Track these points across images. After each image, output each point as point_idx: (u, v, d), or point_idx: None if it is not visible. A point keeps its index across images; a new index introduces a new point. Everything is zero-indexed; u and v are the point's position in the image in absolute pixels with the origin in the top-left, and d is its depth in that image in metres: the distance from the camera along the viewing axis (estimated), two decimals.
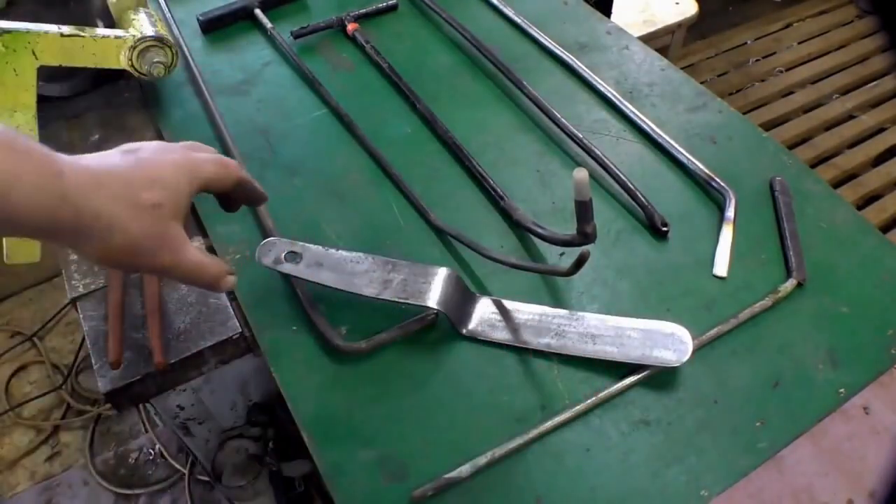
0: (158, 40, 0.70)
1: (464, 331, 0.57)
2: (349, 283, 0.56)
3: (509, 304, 0.58)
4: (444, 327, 0.58)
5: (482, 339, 0.57)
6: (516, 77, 0.79)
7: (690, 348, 0.53)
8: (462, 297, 0.58)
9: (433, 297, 0.55)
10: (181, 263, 0.45)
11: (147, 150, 0.44)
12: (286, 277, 0.60)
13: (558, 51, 0.83)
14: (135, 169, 0.42)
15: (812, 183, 0.69)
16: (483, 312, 0.58)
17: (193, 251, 0.46)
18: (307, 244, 0.58)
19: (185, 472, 1.36)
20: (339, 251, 0.58)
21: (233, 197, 0.53)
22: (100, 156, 0.43)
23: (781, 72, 2.03)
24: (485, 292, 0.60)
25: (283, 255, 0.57)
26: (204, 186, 0.47)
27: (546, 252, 0.63)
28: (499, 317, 0.58)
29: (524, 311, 0.58)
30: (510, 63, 0.81)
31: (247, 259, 0.63)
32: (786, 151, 0.72)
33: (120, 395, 0.57)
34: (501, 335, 0.57)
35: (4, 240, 0.66)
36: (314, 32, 0.86)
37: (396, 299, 0.55)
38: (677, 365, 0.53)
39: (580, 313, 0.57)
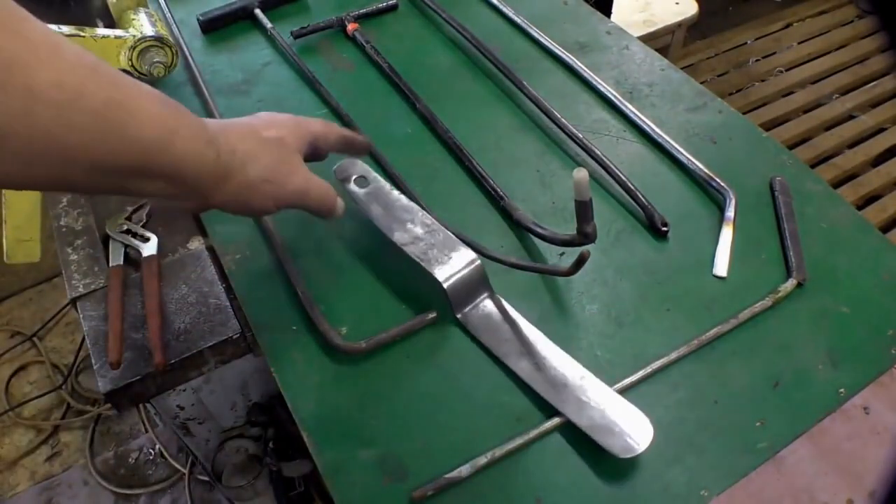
0: (158, 40, 0.70)
1: (458, 315, 0.58)
2: (388, 225, 0.59)
3: (514, 314, 0.58)
4: (444, 327, 0.58)
5: (471, 332, 0.57)
6: (516, 77, 0.79)
7: (642, 448, 0.48)
8: (473, 285, 0.58)
9: (444, 271, 0.56)
10: (311, 183, 0.51)
11: (260, 114, 0.51)
12: (286, 277, 0.60)
13: (558, 51, 0.83)
14: (253, 119, 0.50)
15: (812, 183, 0.69)
16: (485, 309, 0.58)
17: (314, 176, 0.51)
18: (380, 177, 0.62)
19: (185, 472, 1.36)
20: (401, 196, 0.61)
21: (341, 152, 0.59)
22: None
23: (781, 72, 2.03)
24: None
25: (355, 177, 0.62)
26: (312, 140, 0.53)
27: (546, 252, 0.64)
28: (497, 320, 0.58)
29: (522, 327, 0.57)
30: (510, 63, 0.81)
31: (247, 258, 0.63)
32: (786, 151, 0.72)
33: (120, 395, 0.57)
34: (489, 339, 0.56)
35: (4, 240, 0.66)
36: (314, 32, 0.86)
37: (413, 256, 0.57)
38: (620, 456, 0.48)
39: (564, 358, 0.54)
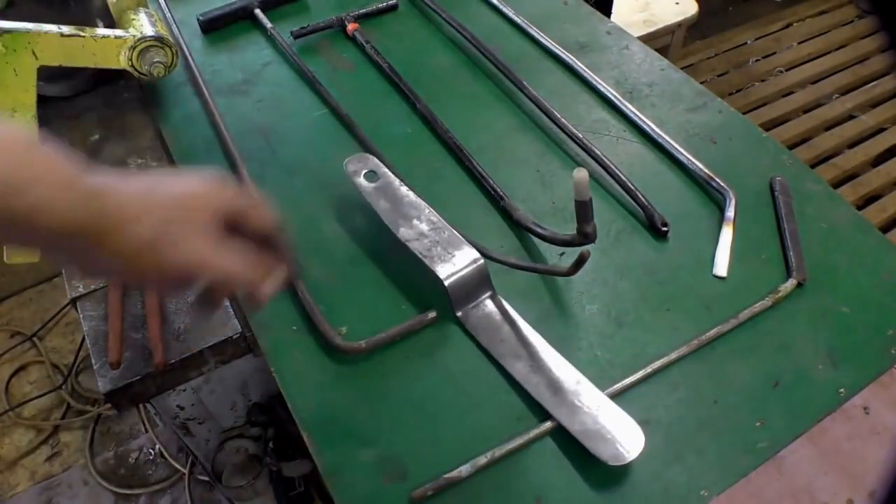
0: (158, 40, 0.70)
1: (458, 313, 0.58)
2: (394, 220, 0.60)
3: (514, 315, 0.58)
4: (444, 327, 0.58)
5: (470, 332, 0.57)
6: (516, 77, 0.79)
7: (632, 456, 0.48)
8: (475, 285, 0.58)
9: (446, 269, 0.56)
10: (210, 260, 0.40)
11: (173, 174, 0.42)
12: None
13: (558, 51, 0.83)
14: (161, 177, 0.41)
15: (812, 183, 0.69)
16: (485, 308, 0.58)
17: (228, 250, 0.41)
18: (390, 173, 0.63)
19: (185, 472, 1.36)
20: (409, 192, 0.61)
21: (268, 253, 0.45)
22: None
23: (781, 72, 2.03)
24: None
25: (365, 171, 0.62)
26: (230, 210, 0.42)
27: (546, 252, 0.63)
28: (496, 320, 0.58)
29: (522, 328, 0.57)
30: (510, 63, 0.80)
31: None
32: (786, 151, 0.72)
33: (120, 395, 0.57)
34: (487, 340, 0.56)
35: None
36: (314, 32, 0.86)
37: (417, 252, 0.57)
38: (610, 463, 0.48)
39: (561, 362, 0.54)
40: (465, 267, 0.57)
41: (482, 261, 0.58)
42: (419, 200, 0.61)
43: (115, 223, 0.37)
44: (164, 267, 0.39)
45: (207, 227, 0.40)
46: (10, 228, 0.35)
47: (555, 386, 0.53)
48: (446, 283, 0.56)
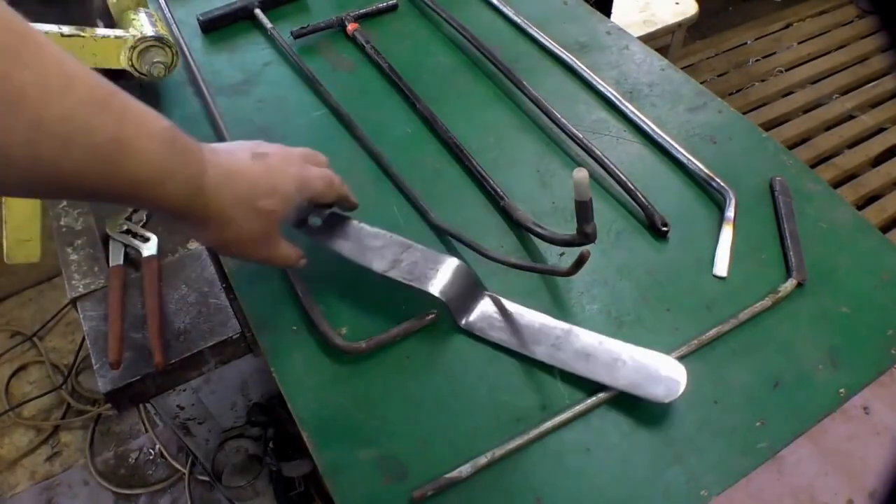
0: (158, 40, 0.70)
1: (462, 322, 0.57)
2: (362, 255, 0.57)
3: (512, 307, 0.58)
4: (444, 327, 0.58)
5: (479, 335, 0.57)
6: (516, 77, 0.79)
7: (682, 388, 0.51)
8: (468, 290, 0.58)
9: (437, 284, 0.55)
10: (273, 256, 0.53)
11: (274, 158, 0.50)
12: (286, 277, 0.60)
13: (558, 51, 0.83)
14: (261, 176, 0.49)
15: (812, 183, 0.69)
16: (485, 309, 0.58)
17: (283, 245, 0.53)
18: (336, 210, 0.60)
19: (185, 472, 1.36)
20: (362, 224, 0.59)
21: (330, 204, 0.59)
22: (232, 152, 0.49)
23: (781, 72, 2.03)
24: None
25: (311, 215, 0.59)
26: (310, 199, 0.54)
27: (546, 252, 0.63)
28: (500, 317, 0.58)
29: (526, 316, 0.58)
30: (510, 63, 0.81)
31: None
32: (786, 151, 0.72)
33: (120, 395, 0.57)
34: (499, 335, 0.57)
35: (4, 240, 0.66)
36: (314, 32, 0.86)
37: (401, 279, 0.55)
38: (665, 401, 0.51)
39: (578, 329, 0.56)
40: (453, 275, 0.56)
41: (464, 265, 0.57)
42: (376, 229, 0.59)
43: (220, 222, 0.47)
44: (242, 257, 0.53)
45: (280, 227, 0.51)
46: (135, 205, 0.51)
47: (582, 353, 0.54)
48: (444, 298, 0.55)
